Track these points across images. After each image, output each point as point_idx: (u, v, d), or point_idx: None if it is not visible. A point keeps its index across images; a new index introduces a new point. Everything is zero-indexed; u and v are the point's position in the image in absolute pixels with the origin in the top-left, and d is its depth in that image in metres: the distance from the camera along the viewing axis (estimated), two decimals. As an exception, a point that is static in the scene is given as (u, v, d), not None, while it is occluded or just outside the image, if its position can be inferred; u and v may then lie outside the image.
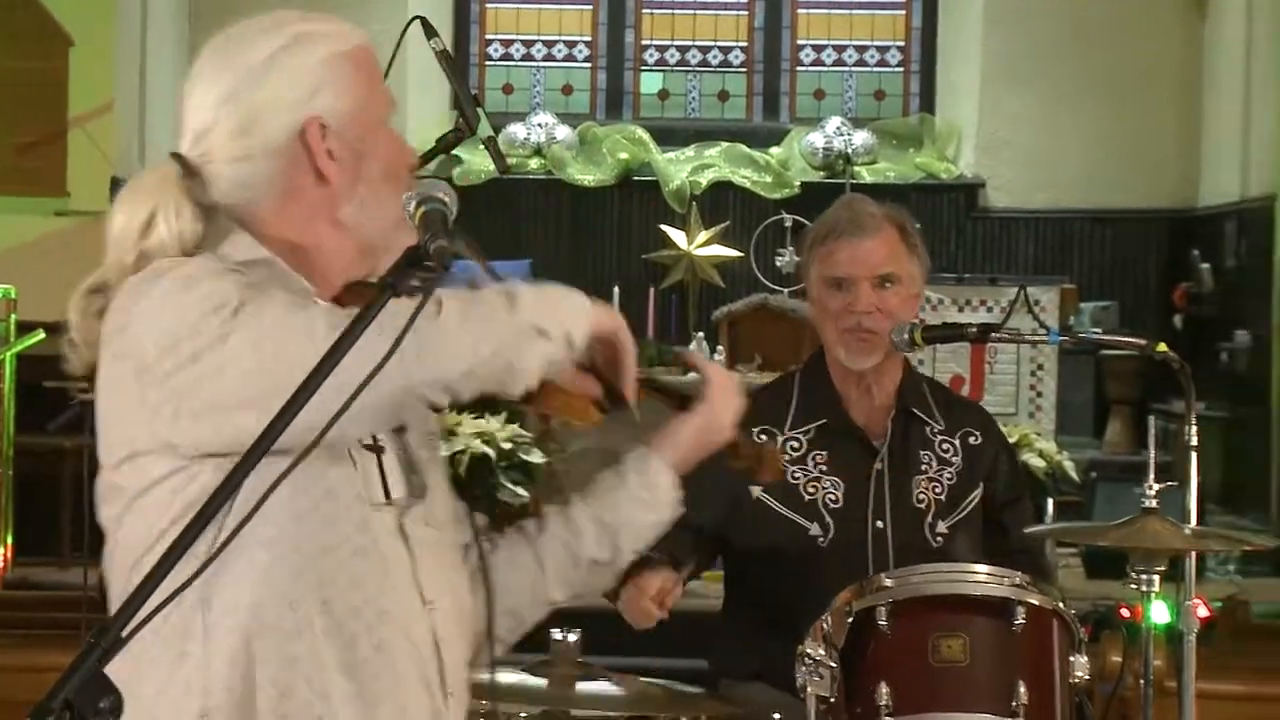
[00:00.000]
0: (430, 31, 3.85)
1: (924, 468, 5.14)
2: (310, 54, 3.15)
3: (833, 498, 5.10)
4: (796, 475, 5.09)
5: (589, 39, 15.70)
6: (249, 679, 2.99)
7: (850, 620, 4.39)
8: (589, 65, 15.73)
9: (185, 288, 2.97)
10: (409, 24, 3.96)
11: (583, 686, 4.45)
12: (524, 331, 3.02)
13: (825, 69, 15.78)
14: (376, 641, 3.05)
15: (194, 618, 2.97)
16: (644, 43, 15.74)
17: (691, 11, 15.77)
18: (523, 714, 4.40)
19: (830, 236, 5.11)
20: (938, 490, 5.11)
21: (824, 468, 5.11)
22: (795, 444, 5.13)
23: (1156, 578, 4.79)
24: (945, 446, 5.18)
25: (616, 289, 12.23)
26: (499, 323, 3.02)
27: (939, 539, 5.08)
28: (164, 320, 2.95)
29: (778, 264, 13.78)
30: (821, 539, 5.06)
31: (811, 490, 5.10)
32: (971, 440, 5.19)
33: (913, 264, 5.15)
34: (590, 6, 15.69)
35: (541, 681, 4.45)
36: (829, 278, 5.10)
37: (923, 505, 5.10)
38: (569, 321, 3.09)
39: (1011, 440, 10.96)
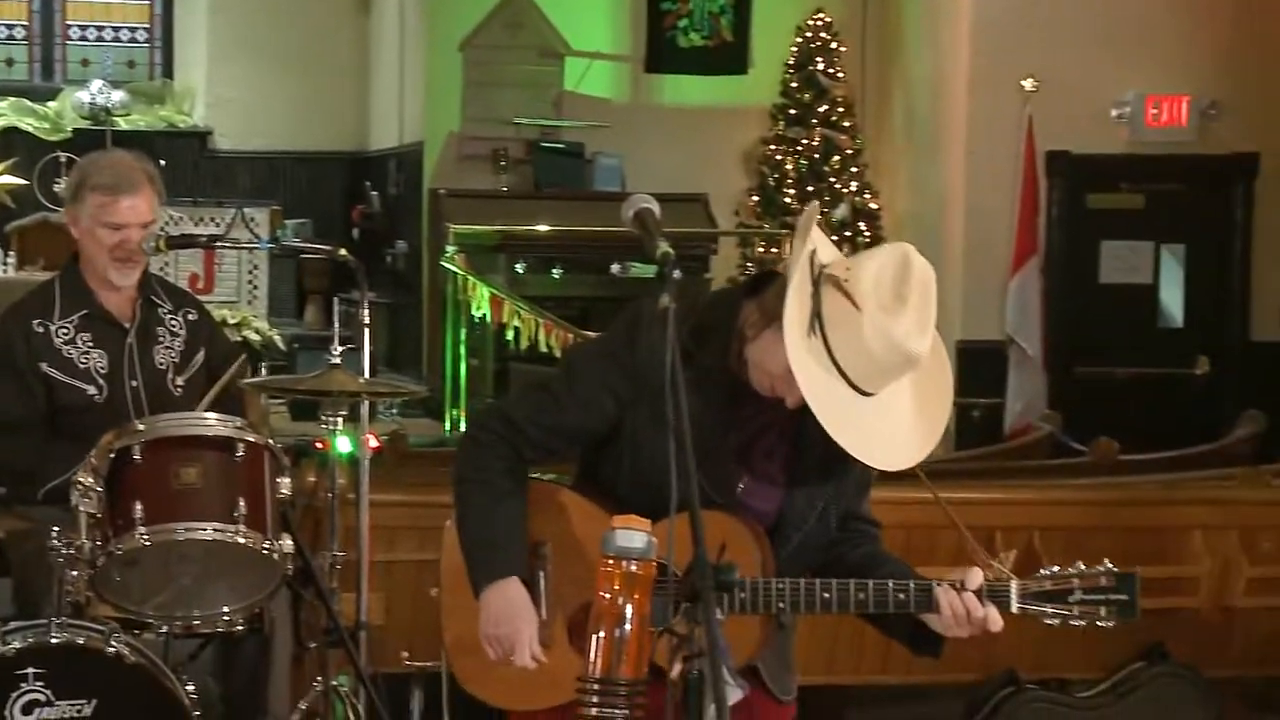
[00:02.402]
0: None
1: (162, 339, 5.06)
2: None
3: (101, 366, 4.97)
4: (70, 352, 4.96)
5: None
6: None
7: (113, 456, 4.27)
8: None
9: None
10: None
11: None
12: None
13: (90, 43, 15.30)
14: None
15: None
16: (-63, 22, 15.00)
17: (-19, -1, 15.10)
18: None
19: (111, 191, 4.97)
20: (173, 355, 5.05)
21: (90, 344, 4.99)
22: (66, 329, 4.98)
23: (341, 418, 4.82)
24: (174, 323, 5.10)
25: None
26: None
27: (179, 389, 5.02)
28: None
29: (55, 189, 13.22)
30: (97, 396, 4.93)
31: (84, 361, 4.97)
32: (190, 317, 5.13)
33: (159, 204, 5.06)
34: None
35: None
36: (109, 223, 4.97)
37: (164, 367, 5.03)
38: None
39: (235, 321, 10.89)
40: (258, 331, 10.98)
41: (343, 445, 4.89)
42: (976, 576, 3.12)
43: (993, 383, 10.98)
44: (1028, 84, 11.13)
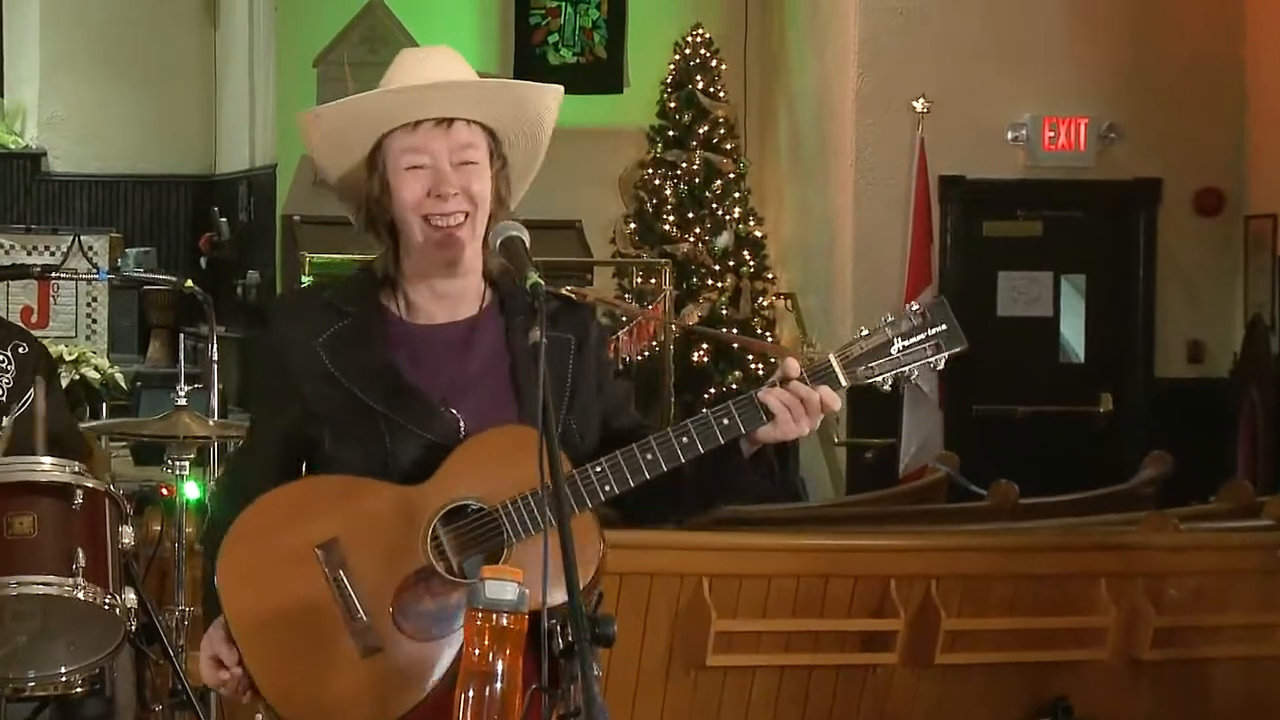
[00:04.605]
0: None
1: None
2: None
3: None
4: None
5: None
6: None
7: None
8: None
9: None
10: None
11: None
12: None
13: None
14: None
15: None
16: None
17: None
18: None
19: None
20: (-1, 393, 4.97)
21: None
22: None
23: (188, 463, 4.79)
24: (1, 358, 5.01)
25: None
26: None
27: (6, 429, 4.92)
28: None
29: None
30: None
31: None
32: (20, 350, 5.05)
33: None
34: None
35: None
36: None
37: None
38: None
39: (71, 358, 10.78)
40: (97, 369, 10.87)
41: (190, 491, 4.86)
42: (792, 365, 3.12)
43: (886, 422, 11.06)
44: (919, 104, 11.26)
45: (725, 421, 3.08)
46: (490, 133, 3.17)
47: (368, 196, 3.16)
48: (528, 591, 2.75)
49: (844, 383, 3.12)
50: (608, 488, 3.05)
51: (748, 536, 6.20)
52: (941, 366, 3.14)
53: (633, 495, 3.12)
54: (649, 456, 3.07)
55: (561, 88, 3.25)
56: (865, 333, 3.14)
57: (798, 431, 3.11)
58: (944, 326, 3.13)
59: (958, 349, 3.14)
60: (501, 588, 2.74)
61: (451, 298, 3.18)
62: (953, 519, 7.73)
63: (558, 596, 2.82)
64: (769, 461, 3.17)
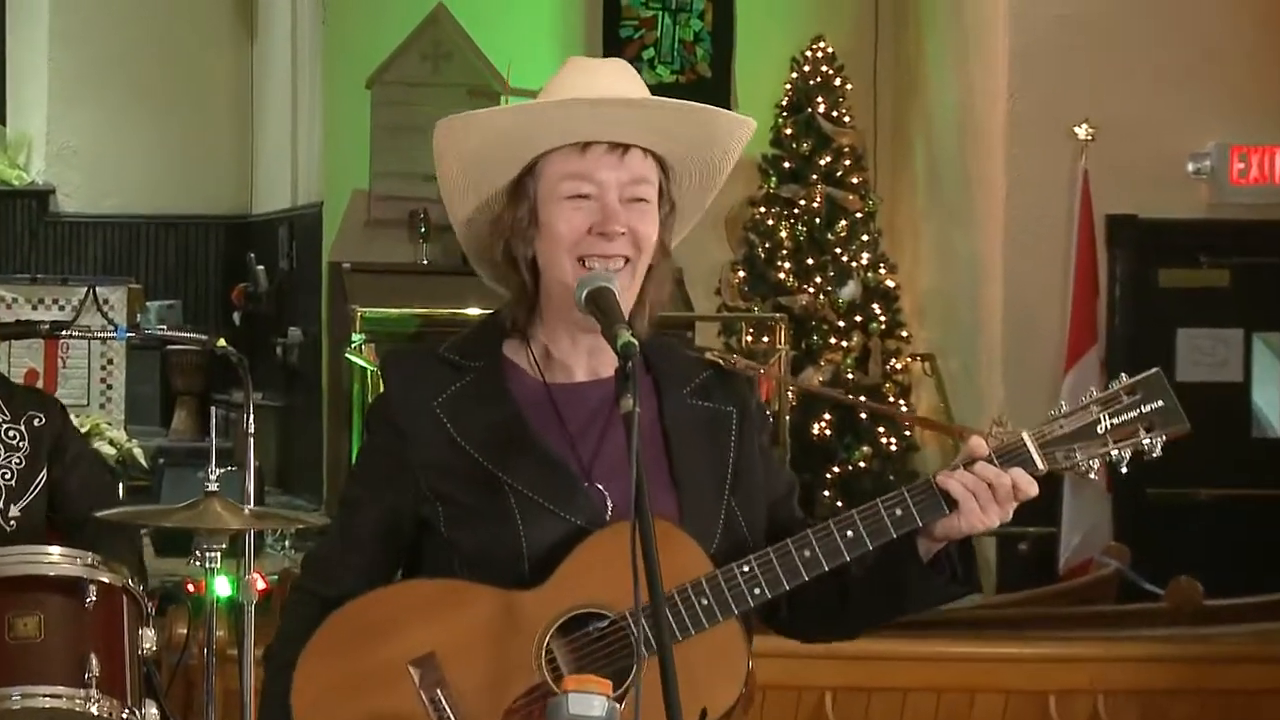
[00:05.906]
0: None
1: (-9, 458, 5.00)
2: None
3: None
4: None
5: None
6: None
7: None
8: None
9: None
10: None
11: None
12: None
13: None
14: None
15: None
16: None
17: None
18: None
19: None
20: (8, 476, 4.98)
21: None
22: None
23: (219, 554, 4.81)
24: (12, 434, 5.04)
25: None
26: None
27: (13, 523, 4.95)
28: None
29: None
30: None
31: None
32: (36, 423, 5.07)
33: None
34: None
35: None
36: None
37: (-1, 494, 4.99)
38: None
39: (85, 430, 10.89)
40: (113, 443, 10.97)
41: (222, 588, 4.89)
42: (978, 444, 3.10)
43: (1044, 508, 10.96)
44: (1082, 131, 11.24)
45: (898, 512, 3.06)
46: (663, 168, 3.18)
47: (511, 227, 3.14)
48: (619, 707, 2.75)
49: (1041, 466, 3.11)
50: (757, 590, 3.03)
51: (877, 643, 6.16)
52: (1159, 452, 3.09)
53: (788, 602, 3.11)
54: (806, 554, 3.04)
55: (754, 121, 3.25)
56: (1065, 409, 3.11)
57: (985, 523, 3.10)
58: (1160, 403, 3.09)
59: (1177, 430, 3.10)
60: (587, 702, 2.75)
61: (596, 353, 3.16)
62: (1124, 623, 7.67)
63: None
64: (953, 563, 3.16)
